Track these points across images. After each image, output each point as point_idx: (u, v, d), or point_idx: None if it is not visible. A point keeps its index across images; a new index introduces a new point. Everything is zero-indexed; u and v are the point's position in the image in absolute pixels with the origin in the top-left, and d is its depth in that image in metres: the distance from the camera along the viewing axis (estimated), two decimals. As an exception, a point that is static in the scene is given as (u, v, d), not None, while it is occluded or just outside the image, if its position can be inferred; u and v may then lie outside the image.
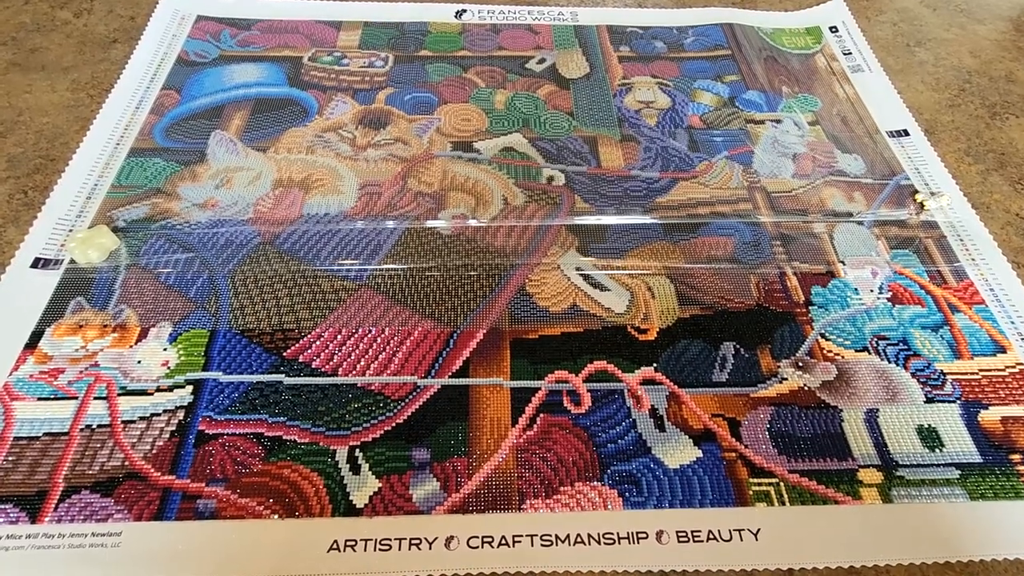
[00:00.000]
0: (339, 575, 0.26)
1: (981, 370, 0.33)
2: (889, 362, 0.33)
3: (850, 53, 0.52)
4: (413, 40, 0.51)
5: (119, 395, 0.31)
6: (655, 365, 0.33)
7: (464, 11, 0.54)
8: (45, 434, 0.29)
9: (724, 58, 0.51)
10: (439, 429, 0.30)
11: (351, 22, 0.52)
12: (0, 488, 0.28)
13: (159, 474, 0.28)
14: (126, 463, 0.29)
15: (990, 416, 0.32)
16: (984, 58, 0.53)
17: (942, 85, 0.51)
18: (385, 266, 0.37)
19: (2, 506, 0.27)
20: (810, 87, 0.49)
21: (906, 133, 0.46)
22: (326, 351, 0.33)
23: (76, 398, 0.30)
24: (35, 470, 0.28)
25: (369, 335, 0.33)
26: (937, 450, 0.30)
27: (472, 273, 0.36)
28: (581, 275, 0.37)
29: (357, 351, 0.33)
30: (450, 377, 0.32)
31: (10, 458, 0.28)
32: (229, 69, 0.48)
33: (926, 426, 0.31)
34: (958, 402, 0.32)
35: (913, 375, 0.33)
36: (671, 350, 0.33)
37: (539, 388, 0.32)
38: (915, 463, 0.30)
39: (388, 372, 0.32)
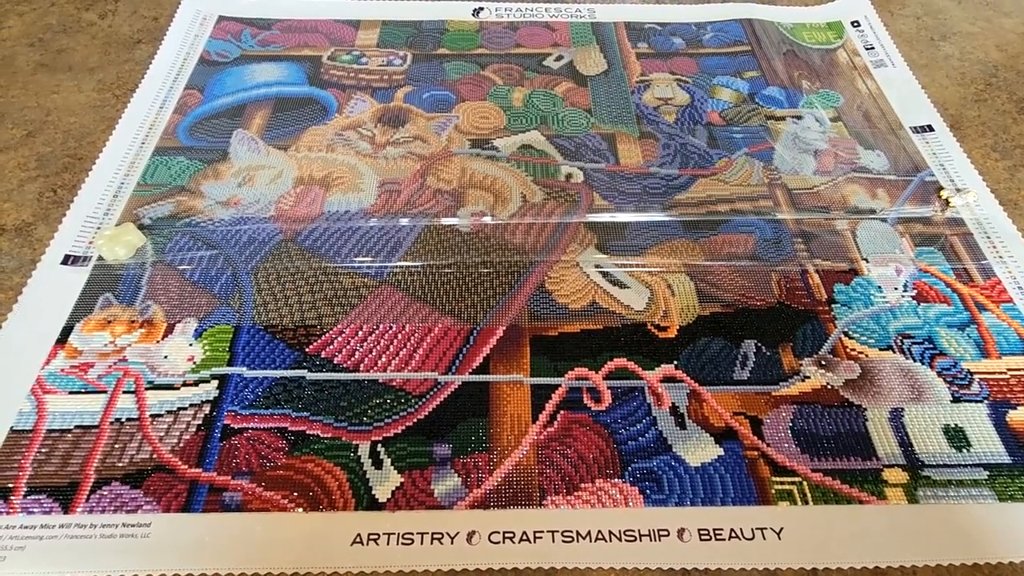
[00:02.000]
0: (362, 568, 0.26)
1: (1010, 369, 0.33)
2: (914, 361, 0.33)
3: (872, 48, 0.52)
4: (431, 38, 0.52)
5: (147, 389, 0.31)
6: (675, 363, 0.33)
7: (481, 9, 0.54)
8: (76, 427, 0.30)
9: (743, 54, 0.51)
10: (460, 425, 0.30)
11: (369, 21, 0.53)
12: (34, 479, 0.28)
13: (186, 467, 0.29)
14: (154, 456, 0.29)
15: (1019, 416, 0.31)
16: (1011, 52, 0.52)
17: (968, 79, 0.50)
18: (405, 263, 0.37)
19: (36, 496, 0.28)
20: (831, 83, 0.49)
21: (931, 128, 0.45)
22: (347, 347, 0.33)
23: (105, 392, 0.31)
24: (67, 462, 0.29)
25: (390, 331, 0.34)
26: (964, 450, 0.30)
27: (491, 270, 0.36)
28: (600, 272, 0.37)
29: (378, 347, 0.33)
30: (470, 374, 0.32)
31: (43, 450, 0.29)
32: (250, 69, 0.48)
33: (953, 426, 0.31)
34: (986, 402, 0.31)
35: (939, 374, 0.32)
36: (691, 348, 0.33)
37: (559, 385, 0.32)
38: (942, 463, 0.29)
39: (409, 368, 0.32)
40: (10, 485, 0.28)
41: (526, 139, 0.44)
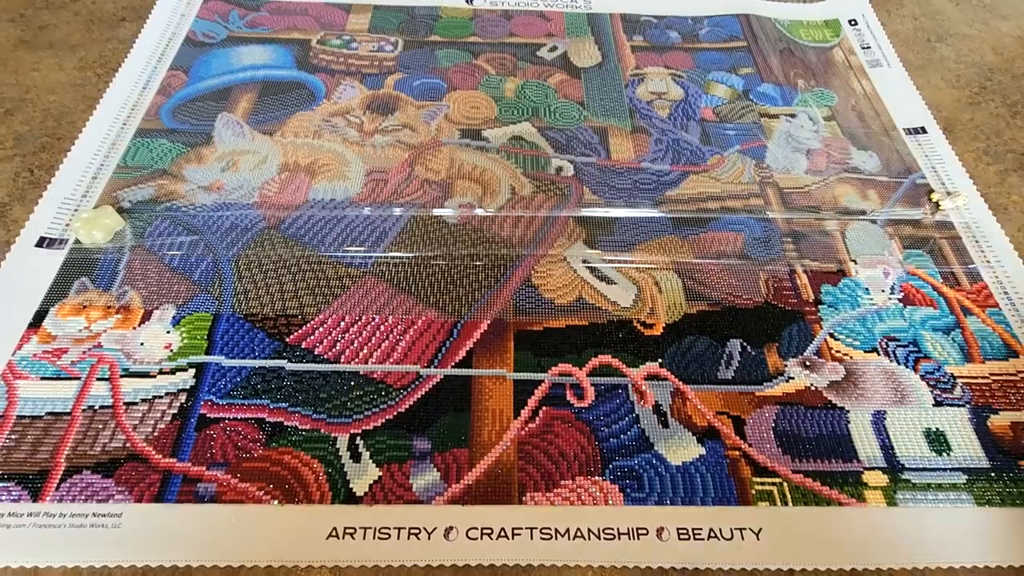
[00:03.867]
0: (337, 562, 0.26)
1: (992, 374, 0.33)
2: (898, 364, 0.33)
3: (869, 47, 0.51)
4: (423, 25, 0.51)
5: (122, 377, 0.31)
6: (660, 360, 0.32)
7: (476, -4, 0.53)
8: (48, 414, 0.29)
9: (739, 50, 0.50)
10: (441, 419, 0.30)
11: (361, 5, 0.52)
12: (2, 466, 0.28)
13: (160, 457, 0.28)
14: (127, 445, 0.29)
15: (1000, 421, 0.31)
16: (1007, 55, 0.52)
17: (963, 82, 0.50)
18: (390, 254, 0.36)
19: (4, 484, 0.27)
20: (826, 81, 0.48)
21: (924, 131, 0.45)
22: (329, 338, 0.33)
23: (79, 378, 0.30)
24: (37, 449, 0.28)
25: (372, 323, 0.33)
26: (944, 454, 0.30)
27: (478, 263, 0.36)
28: (588, 268, 0.36)
29: (360, 339, 0.33)
30: (453, 367, 0.32)
31: (12, 437, 0.28)
32: (237, 51, 0.47)
33: (934, 430, 0.31)
34: (967, 406, 0.31)
35: (922, 378, 0.32)
36: (677, 346, 0.33)
37: (542, 381, 0.31)
38: (922, 467, 0.29)
39: (391, 361, 0.32)
40: (-22, 472, 0.27)
41: (517, 131, 0.44)
